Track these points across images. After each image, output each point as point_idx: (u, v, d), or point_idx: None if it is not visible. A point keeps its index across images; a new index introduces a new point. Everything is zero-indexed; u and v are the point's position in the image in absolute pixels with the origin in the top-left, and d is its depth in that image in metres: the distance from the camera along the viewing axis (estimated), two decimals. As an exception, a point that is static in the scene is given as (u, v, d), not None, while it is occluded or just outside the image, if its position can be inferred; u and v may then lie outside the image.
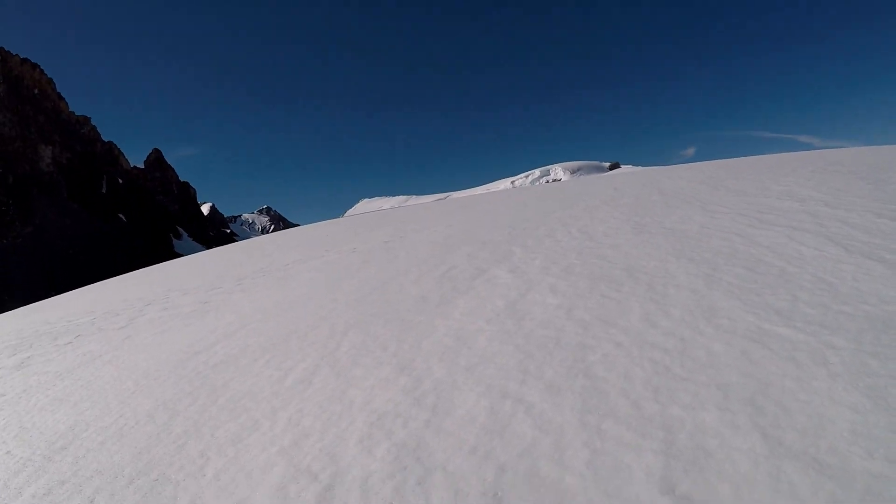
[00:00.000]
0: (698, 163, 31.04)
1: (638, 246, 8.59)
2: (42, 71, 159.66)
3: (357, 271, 11.82)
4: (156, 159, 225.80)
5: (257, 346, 7.70)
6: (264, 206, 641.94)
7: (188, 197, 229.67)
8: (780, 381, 4.02)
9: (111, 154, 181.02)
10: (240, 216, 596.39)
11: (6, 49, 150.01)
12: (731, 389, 4.02)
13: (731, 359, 4.44)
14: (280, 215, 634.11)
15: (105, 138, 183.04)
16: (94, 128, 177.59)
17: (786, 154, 26.05)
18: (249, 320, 9.46)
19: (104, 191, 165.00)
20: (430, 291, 8.38)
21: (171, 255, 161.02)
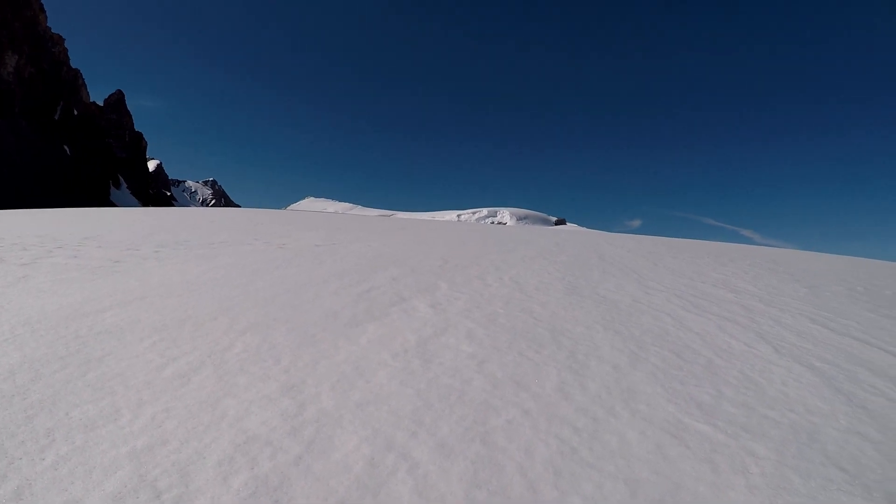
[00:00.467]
0: (642, 235, 31.36)
1: (567, 308, 8.20)
2: None
3: (277, 268, 11.13)
4: (117, 101, 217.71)
5: (149, 323, 6.92)
6: (210, 179, 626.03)
7: (138, 148, 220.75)
8: (693, 484, 3.59)
9: (75, 82, 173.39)
10: (184, 182, 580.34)
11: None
12: (639, 487, 3.56)
13: (645, 451, 4.00)
14: (224, 191, 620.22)
15: (73, 64, 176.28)
16: (65, 50, 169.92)
17: (727, 244, 26.51)
18: (152, 292, 8.63)
19: (57, 118, 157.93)
20: (344, 308, 7.79)
21: (107, 202, 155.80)
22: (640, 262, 14.40)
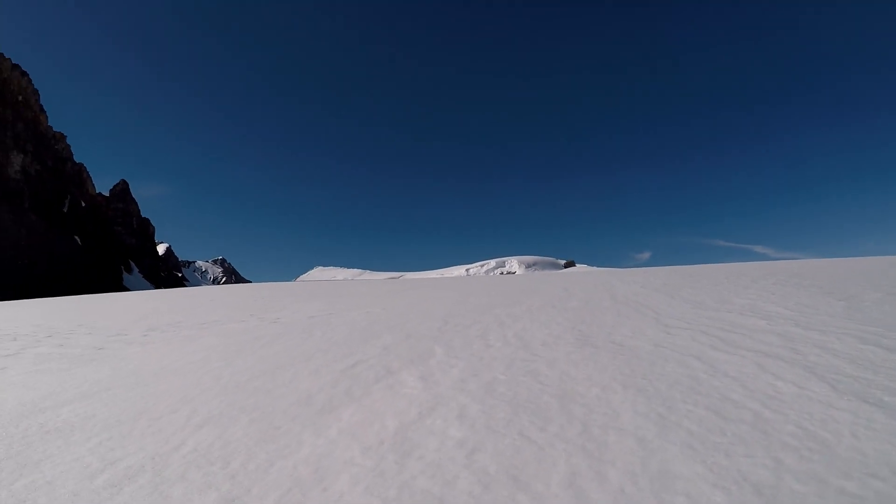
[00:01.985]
0: (653, 267, 30.32)
1: (578, 364, 7.08)
2: (30, 80, 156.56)
3: (262, 347, 10.27)
4: (122, 190, 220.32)
5: (103, 418, 6.40)
6: (219, 257, 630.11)
7: (146, 233, 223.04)
8: None
9: (80, 176, 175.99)
10: (194, 262, 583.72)
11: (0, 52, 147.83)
12: None
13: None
14: (233, 268, 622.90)
15: (77, 159, 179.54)
16: (68, 146, 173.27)
17: (743, 264, 25.51)
18: (120, 382, 8.18)
19: (65, 210, 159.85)
20: (321, 390, 6.76)
21: (120, 287, 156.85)
22: (655, 297, 13.30)
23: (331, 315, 14.66)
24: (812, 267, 18.75)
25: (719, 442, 4.35)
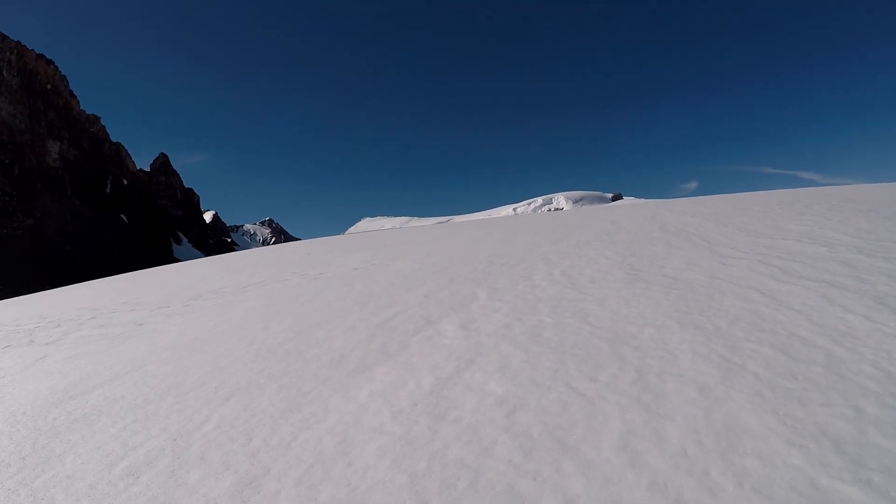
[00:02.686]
0: (702, 196, 29.43)
1: (630, 301, 6.62)
2: (56, 67, 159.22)
3: (300, 305, 10.04)
4: (162, 164, 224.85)
5: (130, 400, 6.17)
6: (267, 218, 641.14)
7: (191, 203, 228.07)
8: None
9: (118, 155, 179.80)
10: (242, 226, 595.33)
11: (22, 44, 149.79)
12: None
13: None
14: (282, 228, 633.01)
15: (114, 139, 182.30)
16: (103, 128, 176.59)
17: (793, 190, 24.57)
18: (154, 358, 7.96)
19: (108, 191, 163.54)
20: (356, 347, 6.46)
21: (170, 259, 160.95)
22: (707, 226, 12.68)
23: (374, 266, 14.39)
24: (865, 192, 17.84)
25: (791, 388, 3.90)
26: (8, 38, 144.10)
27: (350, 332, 7.22)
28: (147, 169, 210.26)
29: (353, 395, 4.95)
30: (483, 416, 4.08)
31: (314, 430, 4.34)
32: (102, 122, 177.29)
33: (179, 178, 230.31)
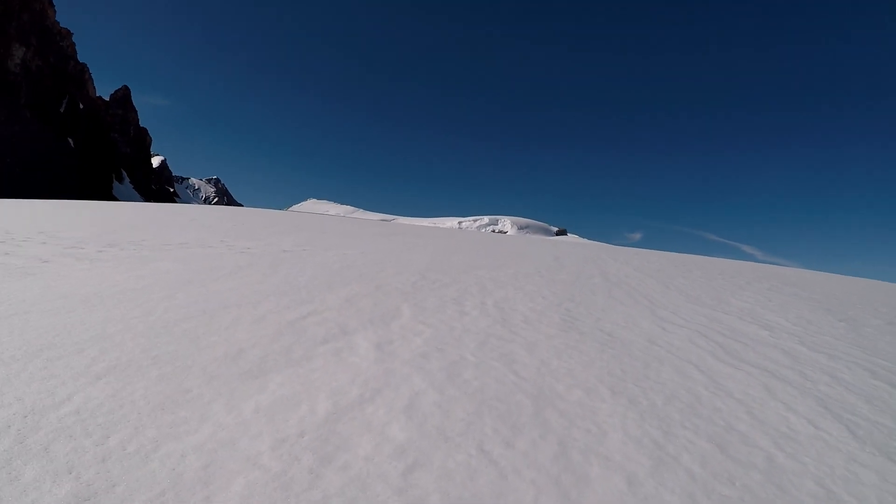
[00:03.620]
0: (645, 249, 29.55)
1: (562, 353, 6.10)
2: None
3: (216, 279, 9.18)
4: (123, 96, 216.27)
5: None
6: (214, 177, 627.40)
7: (143, 144, 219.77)
8: None
9: (81, 76, 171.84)
10: (188, 179, 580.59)
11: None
12: None
13: None
14: (226, 190, 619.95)
15: (81, 59, 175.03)
16: (73, 44, 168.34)
17: (734, 261, 24.88)
18: (43, 306, 6.90)
19: (62, 110, 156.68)
20: (258, 344, 5.71)
21: (109, 196, 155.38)
22: (649, 283, 12.39)
23: (305, 252, 13.64)
24: (804, 278, 18.22)
25: (727, 496, 3.41)
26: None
27: (257, 325, 6.47)
28: (106, 98, 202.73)
29: (237, 405, 4.23)
30: (376, 469, 3.41)
31: (181, 443, 3.60)
32: (74, 38, 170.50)
33: (137, 114, 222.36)
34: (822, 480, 3.73)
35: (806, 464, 3.94)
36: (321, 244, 15.87)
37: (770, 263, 30.02)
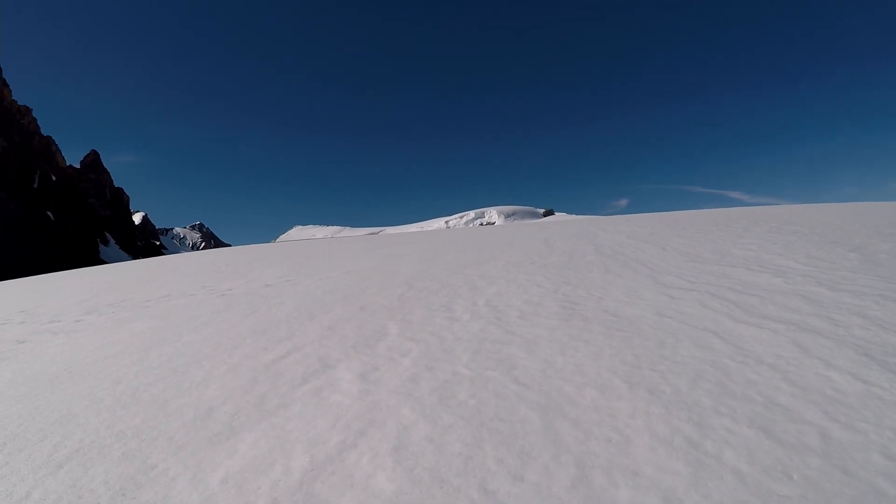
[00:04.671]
0: (635, 214, 29.07)
1: (566, 347, 5.47)
2: None
3: (192, 329, 8.53)
4: (92, 161, 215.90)
5: None
6: (197, 223, 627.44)
7: (121, 203, 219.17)
8: None
9: (48, 149, 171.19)
10: (172, 229, 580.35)
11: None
12: None
13: None
14: (212, 233, 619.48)
15: (45, 132, 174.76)
16: (34, 120, 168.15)
17: (724, 209, 24.45)
18: (11, 392, 6.30)
19: (35, 186, 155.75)
20: (230, 398, 5.04)
21: (96, 261, 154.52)
22: (645, 249, 11.83)
23: (287, 283, 13.00)
24: (800, 213, 17.79)
25: (787, 497, 2.79)
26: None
27: (230, 375, 5.82)
28: (77, 165, 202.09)
29: (204, 478, 3.60)
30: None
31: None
32: (34, 114, 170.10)
33: (110, 176, 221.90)
34: (889, 451, 3.13)
35: (866, 432, 3.35)
36: (304, 271, 15.26)
37: (759, 205, 29.66)
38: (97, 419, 4.95)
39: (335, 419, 4.27)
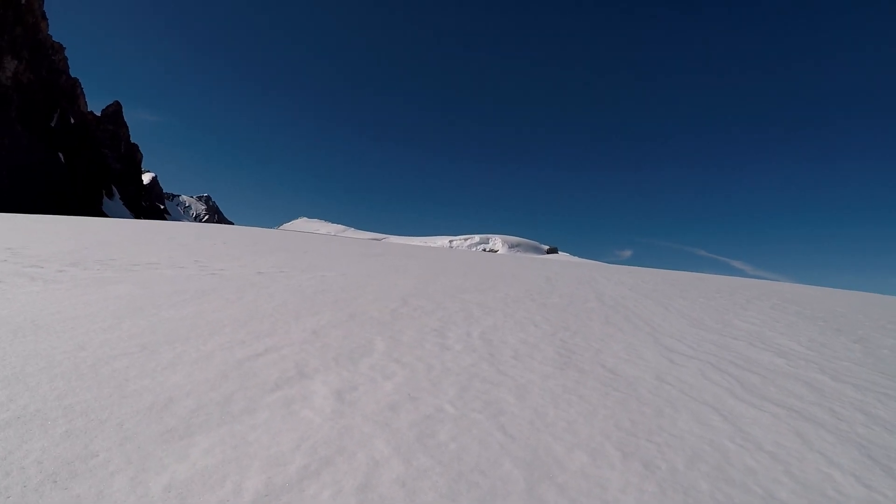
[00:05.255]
0: (637, 267, 28.89)
1: (559, 399, 5.16)
2: None
3: (172, 305, 8.13)
4: (114, 112, 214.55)
5: None
6: (205, 194, 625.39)
7: (134, 160, 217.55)
8: None
9: (73, 91, 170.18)
10: (178, 196, 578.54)
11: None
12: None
13: None
14: (217, 208, 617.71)
15: (73, 74, 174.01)
16: (65, 59, 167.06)
17: (728, 277, 24.34)
18: None
19: (53, 125, 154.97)
20: (193, 391, 4.67)
21: (98, 212, 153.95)
22: (647, 305, 11.56)
23: (280, 274, 12.70)
24: (803, 294, 17.85)
25: None
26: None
27: (200, 364, 5.47)
28: (98, 113, 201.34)
29: (145, 480, 3.25)
30: None
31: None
32: (66, 53, 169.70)
33: (128, 130, 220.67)
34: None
35: (874, 551, 3.04)
36: (300, 265, 14.98)
37: (760, 278, 29.67)
38: (48, 385, 4.58)
39: (301, 439, 3.94)
